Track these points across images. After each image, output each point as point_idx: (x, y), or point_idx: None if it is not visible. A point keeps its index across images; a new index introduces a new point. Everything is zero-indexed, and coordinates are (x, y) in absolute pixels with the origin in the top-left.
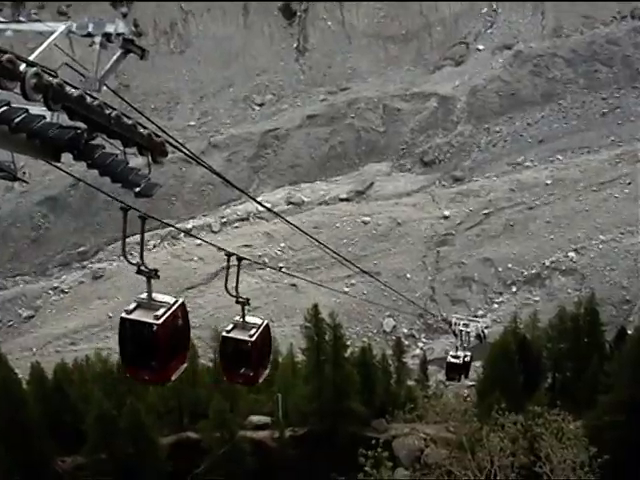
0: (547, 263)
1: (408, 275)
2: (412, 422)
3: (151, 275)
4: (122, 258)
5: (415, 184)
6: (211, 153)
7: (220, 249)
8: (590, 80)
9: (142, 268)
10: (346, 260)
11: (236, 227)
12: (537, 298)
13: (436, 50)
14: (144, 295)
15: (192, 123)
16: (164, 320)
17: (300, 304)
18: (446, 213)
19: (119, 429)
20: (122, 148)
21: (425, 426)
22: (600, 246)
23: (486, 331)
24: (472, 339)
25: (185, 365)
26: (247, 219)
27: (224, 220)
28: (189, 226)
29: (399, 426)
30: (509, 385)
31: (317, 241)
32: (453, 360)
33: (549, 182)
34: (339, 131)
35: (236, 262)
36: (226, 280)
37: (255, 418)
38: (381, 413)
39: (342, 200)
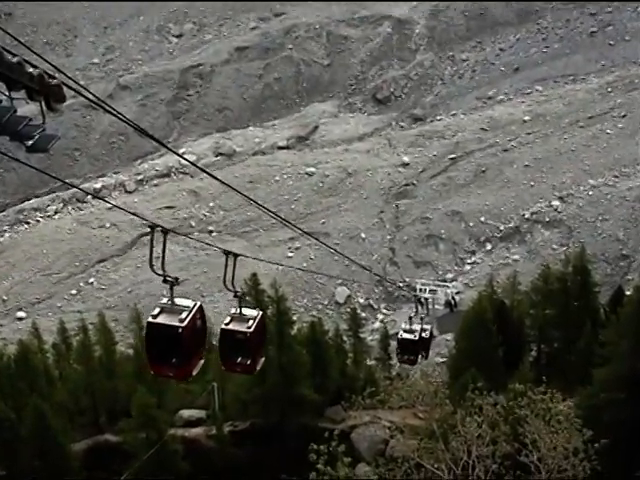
0: (527, 215)
1: (363, 235)
2: (373, 409)
3: (174, 283)
4: (17, 227)
5: (368, 126)
6: (121, 96)
7: (214, 246)
8: None
9: (167, 278)
10: (286, 222)
11: (155, 185)
12: (516, 256)
13: None
14: (164, 300)
15: (95, 60)
16: (187, 322)
17: (235, 274)
18: (405, 159)
19: (20, 436)
20: (7, 92)
21: (389, 413)
22: (590, 192)
23: (457, 297)
24: (441, 307)
25: (202, 361)
26: (168, 175)
27: (140, 177)
28: (98, 186)
29: (358, 414)
30: (486, 360)
31: (252, 200)
32: (406, 336)
33: (527, 118)
34: (275, 66)
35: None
36: (224, 276)
37: (186, 413)
38: (337, 400)
39: (281, 148)
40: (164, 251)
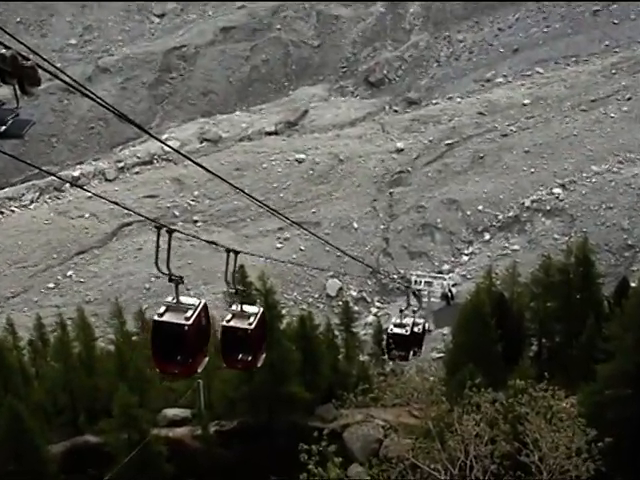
0: (527, 203)
1: (355, 225)
2: (366, 407)
3: (178, 282)
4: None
5: (360, 110)
6: (100, 79)
7: (212, 243)
8: None
9: (172, 277)
10: (275, 211)
11: (137, 173)
12: (516, 247)
13: None
14: (169, 298)
15: (73, 41)
16: (193, 320)
17: (221, 266)
18: (399, 145)
19: None
20: None
21: (383, 411)
22: (593, 179)
23: (454, 290)
24: (437, 300)
25: (207, 358)
26: (150, 162)
27: (121, 165)
28: (76, 174)
29: (350, 412)
30: (485, 355)
31: (238, 189)
32: (397, 330)
33: (527, 102)
34: (262, 47)
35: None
36: (226, 273)
37: (170, 412)
38: (328, 397)
39: (269, 134)
40: (169, 250)
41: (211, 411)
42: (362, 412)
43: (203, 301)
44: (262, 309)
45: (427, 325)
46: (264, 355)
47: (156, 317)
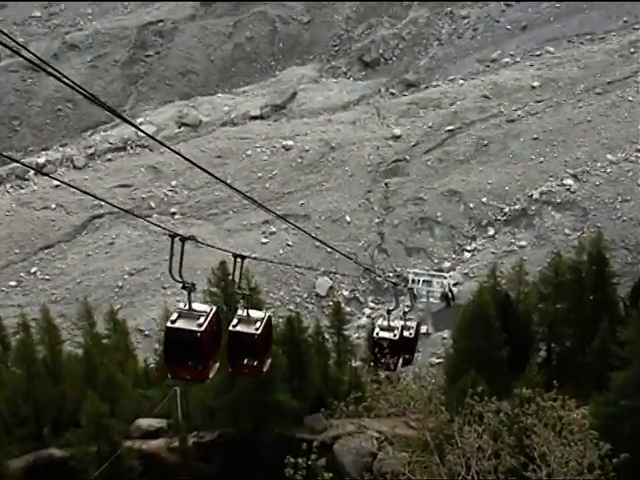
0: (536, 195)
1: (347, 218)
2: (359, 417)
3: (191, 289)
4: None
5: (353, 93)
6: (68, 57)
7: (219, 249)
8: None
9: (185, 284)
10: (259, 203)
11: (108, 160)
12: (523, 243)
13: None
14: (181, 305)
15: (37, 14)
16: (205, 327)
17: (201, 262)
18: (396, 132)
19: None
20: None
21: (377, 421)
22: (608, 169)
23: (455, 290)
24: (437, 301)
25: (218, 363)
26: (123, 149)
27: (91, 151)
28: (41, 160)
29: (342, 423)
30: (488, 361)
31: (219, 179)
32: (383, 334)
33: (536, 84)
34: (247, 23)
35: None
36: (233, 278)
37: (144, 422)
38: (317, 406)
39: (254, 118)
40: (181, 260)
41: (189, 421)
42: (354, 422)
43: (215, 308)
44: (268, 314)
45: (426, 328)
46: (270, 360)
47: (169, 323)
